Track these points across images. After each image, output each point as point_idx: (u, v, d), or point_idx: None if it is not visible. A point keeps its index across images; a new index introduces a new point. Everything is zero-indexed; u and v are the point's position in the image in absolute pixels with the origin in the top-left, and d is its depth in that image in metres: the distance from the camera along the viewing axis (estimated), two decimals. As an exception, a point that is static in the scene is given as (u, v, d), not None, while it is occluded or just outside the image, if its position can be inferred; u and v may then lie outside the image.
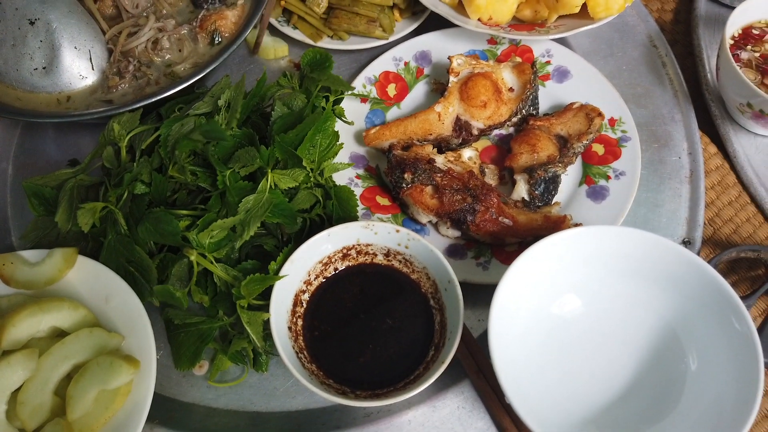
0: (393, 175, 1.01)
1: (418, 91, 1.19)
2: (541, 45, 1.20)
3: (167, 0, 1.08)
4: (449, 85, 1.11)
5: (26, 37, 0.98)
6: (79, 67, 1.00)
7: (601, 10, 1.11)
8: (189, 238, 0.89)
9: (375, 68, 1.18)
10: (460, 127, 1.09)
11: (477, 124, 1.09)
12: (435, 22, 1.24)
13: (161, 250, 0.95)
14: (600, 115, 1.07)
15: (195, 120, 0.97)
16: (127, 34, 1.02)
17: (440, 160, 1.02)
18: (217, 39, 1.06)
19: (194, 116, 0.97)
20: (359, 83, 1.17)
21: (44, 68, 0.99)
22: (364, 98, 1.16)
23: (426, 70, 1.20)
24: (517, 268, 0.83)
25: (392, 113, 1.17)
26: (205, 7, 1.08)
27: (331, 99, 1.09)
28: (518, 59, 1.18)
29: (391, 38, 1.24)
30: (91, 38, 1.01)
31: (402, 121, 1.09)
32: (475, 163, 1.04)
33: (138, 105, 0.97)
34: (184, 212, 0.93)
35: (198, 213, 0.94)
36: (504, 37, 1.18)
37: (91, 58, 1.01)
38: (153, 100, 0.97)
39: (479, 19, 1.17)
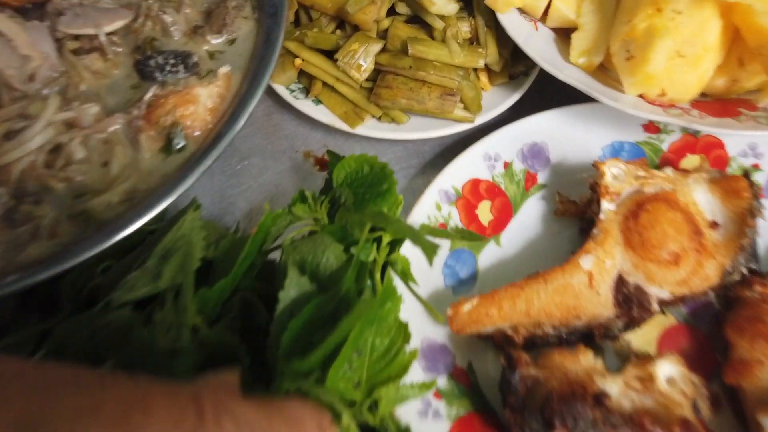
0: (526, 426, 0.50)
1: (530, 213, 0.70)
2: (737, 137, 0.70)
3: (89, 66, 0.58)
4: (601, 215, 0.61)
5: None
6: None
7: None
8: None
9: (456, 174, 0.69)
10: (627, 297, 0.59)
11: (659, 293, 0.59)
12: (543, 93, 0.76)
13: None
14: None
15: (119, 317, 0.47)
16: (3, 134, 0.53)
17: (616, 390, 0.51)
18: (177, 142, 0.56)
19: (117, 309, 0.47)
20: (429, 201, 0.67)
21: None
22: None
23: (540, 177, 0.71)
24: None
25: (489, 254, 0.67)
26: (159, 78, 0.58)
27: (385, 241, 0.59)
28: (707, 165, 0.68)
29: (478, 120, 0.75)
30: None
31: (520, 288, 0.59)
32: (686, 396, 0.52)
33: (8, 289, 0.46)
34: None
35: None
36: (677, 125, 0.67)
37: None
38: (40, 278, 0.46)
39: (641, 95, 0.67)
